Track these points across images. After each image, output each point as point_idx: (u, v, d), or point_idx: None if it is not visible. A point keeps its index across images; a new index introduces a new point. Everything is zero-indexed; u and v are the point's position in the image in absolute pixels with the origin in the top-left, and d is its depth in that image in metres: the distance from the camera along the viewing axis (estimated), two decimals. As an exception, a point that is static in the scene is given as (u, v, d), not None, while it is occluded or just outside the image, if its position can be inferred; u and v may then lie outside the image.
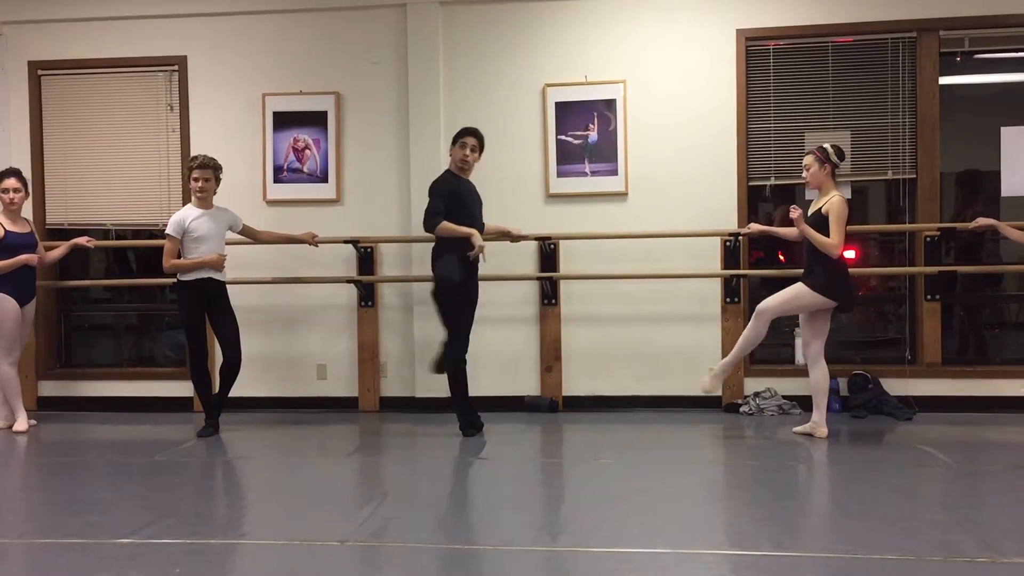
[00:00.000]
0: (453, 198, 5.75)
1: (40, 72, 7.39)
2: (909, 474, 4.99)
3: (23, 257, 6.33)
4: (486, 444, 5.79)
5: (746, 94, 6.78)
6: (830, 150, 5.61)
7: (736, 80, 6.76)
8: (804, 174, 5.72)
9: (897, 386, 6.59)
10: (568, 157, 6.88)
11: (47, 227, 7.35)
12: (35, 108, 7.39)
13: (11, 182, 6.39)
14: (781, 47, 6.78)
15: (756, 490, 4.77)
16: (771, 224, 6.58)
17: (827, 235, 5.49)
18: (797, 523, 4.17)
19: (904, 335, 6.87)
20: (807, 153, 5.74)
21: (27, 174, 6.78)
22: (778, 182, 6.76)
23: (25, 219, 6.60)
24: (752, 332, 5.71)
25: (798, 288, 5.63)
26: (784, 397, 6.63)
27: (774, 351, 7.11)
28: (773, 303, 5.66)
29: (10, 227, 6.37)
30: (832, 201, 5.55)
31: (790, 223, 5.78)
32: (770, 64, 6.79)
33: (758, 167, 6.80)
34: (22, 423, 6.43)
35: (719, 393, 5.50)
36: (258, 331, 7.01)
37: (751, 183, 6.82)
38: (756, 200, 6.92)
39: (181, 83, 7.24)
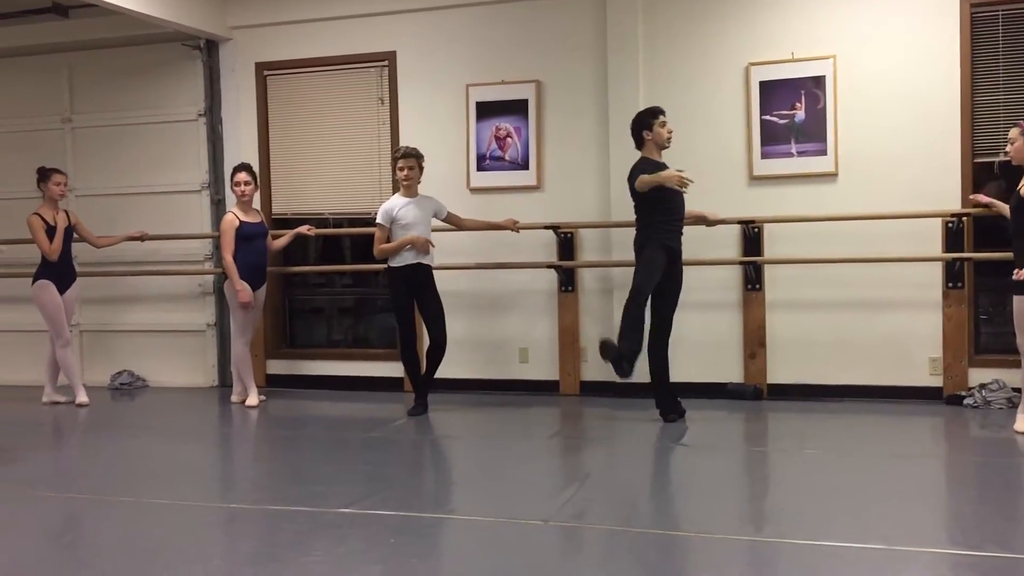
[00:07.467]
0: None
1: (266, 72, 7.93)
2: None
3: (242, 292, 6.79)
4: (687, 430, 5.73)
5: (971, 64, 6.30)
6: None
7: (960, 50, 6.30)
8: (1007, 148, 5.30)
9: None
10: (773, 137, 6.65)
11: (273, 217, 7.91)
12: (261, 106, 7.93)
13: (242, 176, 6.92)
14: (1011, 12, 6.24)
15: (981, 487, 4.47)
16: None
17: None
18: (1028, 525, 3.88)
19: None
20: (1014, 126, 5.29)
21: (256, 168, 7.33)
22: (1008, 158, 6.24)
23: (256, 210, 7.13)
24: None
25: (1019, 305, 5.19)
26: (1014, 389, 6.14)
27: (1005, 340, 6.59)
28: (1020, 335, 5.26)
29: (243, 218, 6.89)
30: None
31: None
32: (999, 31, 6.27)
33: (984, 142, 6.31)
34: (253, 398, 6.98)
35: None
36: (462, 315, 7.24)
37: (976, 160, 6.34)
38: (983, 178, 6.43)
39: (391, 78, 7.58)
